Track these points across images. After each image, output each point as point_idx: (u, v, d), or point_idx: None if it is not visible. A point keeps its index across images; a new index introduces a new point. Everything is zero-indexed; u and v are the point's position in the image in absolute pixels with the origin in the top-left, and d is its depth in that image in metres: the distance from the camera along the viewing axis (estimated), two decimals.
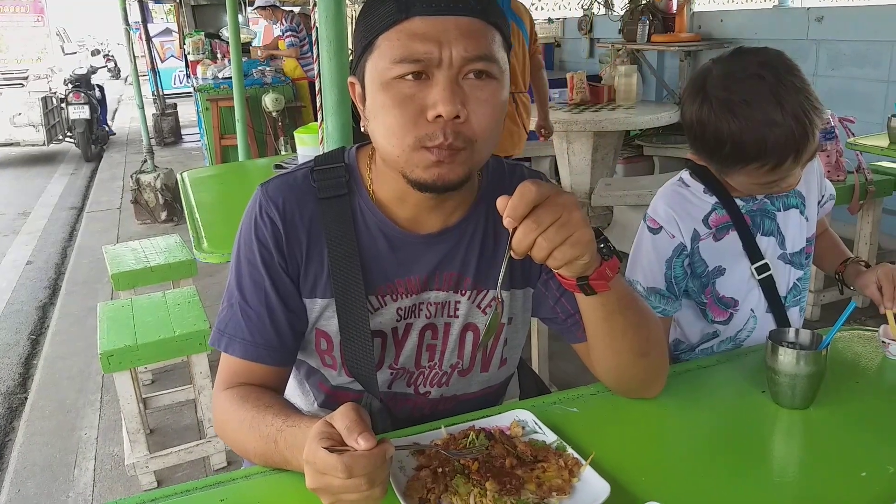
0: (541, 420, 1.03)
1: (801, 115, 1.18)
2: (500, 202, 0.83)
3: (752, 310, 1.41)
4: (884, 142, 2.87)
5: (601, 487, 0.88)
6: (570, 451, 0.96)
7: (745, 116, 1.20)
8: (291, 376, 1.19)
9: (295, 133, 2.20)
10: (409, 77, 0.89)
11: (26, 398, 3.19)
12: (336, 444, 0.79)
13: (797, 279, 1.44)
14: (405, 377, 1.13)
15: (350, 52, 1.10)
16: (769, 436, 1.06)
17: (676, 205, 1.37)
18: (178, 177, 2.98)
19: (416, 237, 1.05)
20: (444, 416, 1.14)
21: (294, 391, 1.23)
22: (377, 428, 1.10)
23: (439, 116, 0.88)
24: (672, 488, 0.92)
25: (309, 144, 2.13)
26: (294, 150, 5.79)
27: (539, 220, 0.82)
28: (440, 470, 0.91)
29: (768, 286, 1.38)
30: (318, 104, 1.88)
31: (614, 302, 0.97)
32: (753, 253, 1.36)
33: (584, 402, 1.12)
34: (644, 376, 1.08)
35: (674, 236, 1.35)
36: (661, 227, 1.36)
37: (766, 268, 1.37)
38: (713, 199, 1.37)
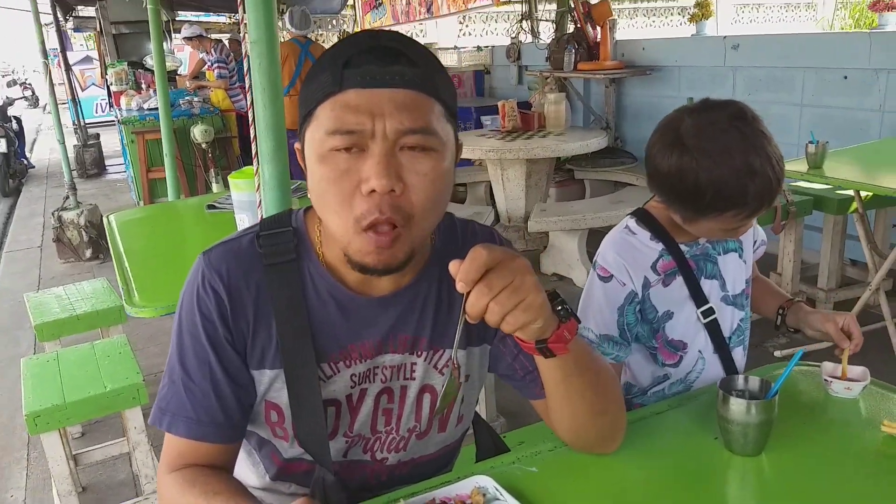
0: (501, 483, 1.02)
1: (774, 164, 1.22)
2: (453, 267, 0.82)
3: (699, 351, 1.44)
4: (802, 166, 3.00)
5: None
6: None
7: (727, 165, 1.22)
8: (241, 447, 1.14)
9: (229, 178, 2.14)
10: (344, 150, 0.87)
11: None
12: None
13: (740, 320, 1.48)
14: (361, 444, 1.10)
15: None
16: (725, 485, 1.08)
17: (626, 253, 1.39)
18: (105, 220, 2.85)
19: (368, 300, 1.03)
20: (402, 482, 1.12)
21: (244, 463, 1.17)
22: (331, 503, 1.07)
23: (374, 191, 0.86)
24: None
25: (244, 189, 2.07)
26: (226, 183, 5.66)
27: (491, 285, 0.81)
28: None
29: (713, 329, 1.42)
30: (253, 149, 1.83)
31: (572, 364, 0.97)
32: (698, 297, 1.40)
33: (543, 460, 1.11)
34: (602, 433, 1.08)
35: (625, 284, 1.37)
36: (612, 276, 1.38)
37: (711, 311, 1.41)
38: (660, 246, 1.39)
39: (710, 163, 1.23)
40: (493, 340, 1.12)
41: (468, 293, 0.82)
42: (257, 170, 1.82)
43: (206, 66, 7.00)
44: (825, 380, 1.27)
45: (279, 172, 1.77)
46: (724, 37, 4.54)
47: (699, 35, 4.89)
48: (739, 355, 1.48)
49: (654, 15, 14.85)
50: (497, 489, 1.01)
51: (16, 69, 19.85)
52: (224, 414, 1.00)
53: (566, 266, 4.26)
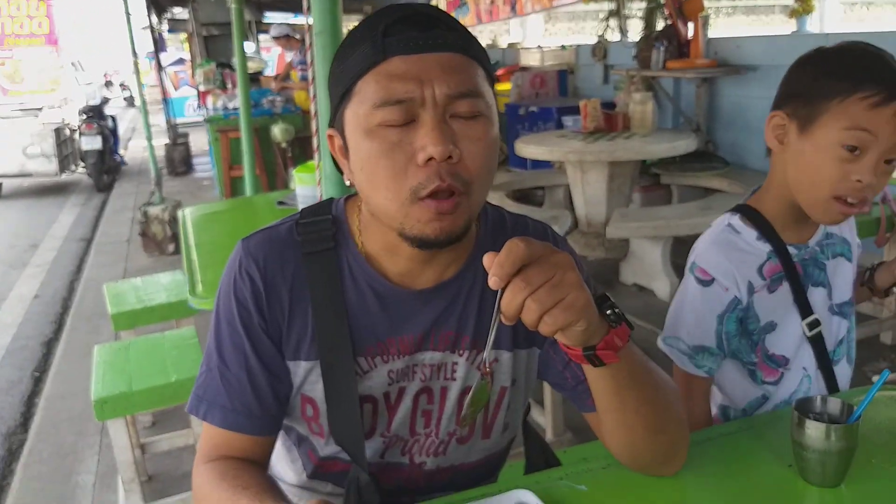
0: (544, 499, 0.94)
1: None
2: (486, 259, 0.75)
3: (804, 368, 1.29)
4: None
5: None
6: None
7: (851, 47, 1.17)
8: (280, 443, 1.11)
9: (294, 172, 2.14)
10: (394, 121, 0.83)
11: (26, 440, 3.12)
12: None
13: (845, 330, 1.33)
14: (399, 445, 1.04)
15: None
16: None
17: (730, 254, 1.24)
18: (179, 213, 2.92)
19: (409, 293, 0.97)
20: (441, 489, 1.06)
21: (283, 458, 1.14)
22: None
23: (431, 159, 0.81)
24: None
25: (308, 183, 2.07)
26: None
27: (528, 280, 0.73)
28: None
29: (818, 342, 1.27)
30: (314, 142, 1.81)
31: (626, 374, 0.87)
32: (804, 307, 1.25)
33: (594, 478, 1.02)
34: (660, 454, 0.98)
35: (728, 289, 1.23)
36: (714, 279, 1.23)
37: (816, 323, 1.26)
38: (767, 247, 1.24)
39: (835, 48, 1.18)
40: (543, 344, 1.04)
41: (503, 289, 0.74)
42: (318, 164, 1.79)
43: (288, 62, 7.15)
44: None
45: None
46: (827, 34, 4.25)
47: (800, 32, 4.60)
48: (844, 369, 1.33)
49: (755, 13, 14.15)
50: None
51: (116, 70, 21.02)
52: (259, 404, 0.97)
53: (647, 276, 4.08)
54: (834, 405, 1.01)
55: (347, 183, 0.94)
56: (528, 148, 4.25)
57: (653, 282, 4.04)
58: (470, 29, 0.90)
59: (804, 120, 1.17)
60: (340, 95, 0.88)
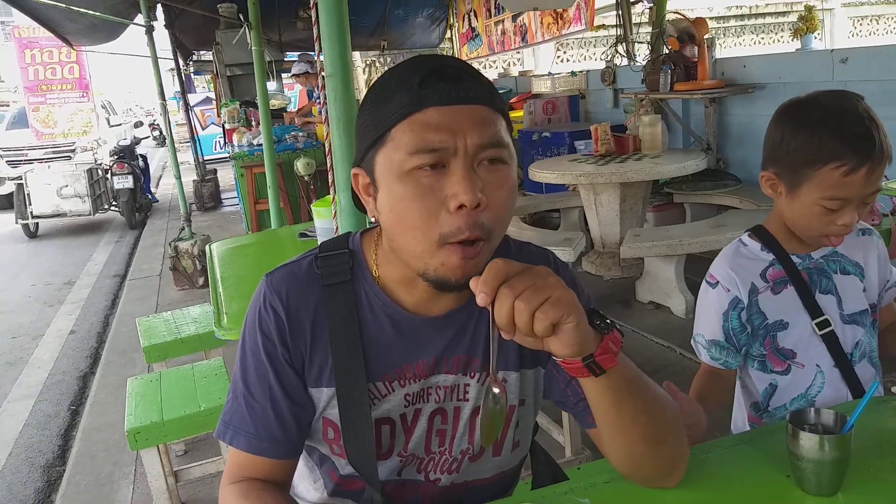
0: None
1: (879, 124, 1.25)
2: (472, 283, 0.83)
3: (817, 365, 1.41)
4: None
5: None
6: None
7: (826, 113, 1.28)
8: (303, 462, 1.18)
9: (312, 206, 2.24)
10: (427, 167, 0.89)
11: (64, 471, 3.22)
12: None
13: (861, 335, 1.44)
14: (415, 464, 1.11)
15: None
16: None
17: (734, 262, 1.44)
18: (207, 249, 3.03)
19: (424, 320, 1.04)
20: None
21: (305, 478, 1.21)
22: None
23: (462, 206, 0.88)
24: None
25: (325, 217, 2.16)
26: None
27: (512, 286, 0.81)
28: None
29: (831, 341, 1.39)
30: (329, 179, 1.91)
31: (623, 385, 0.93)
32: (813, 308, 1.39)
33: (597, 492, 1.08)
34: (660, 465, 1.03)
35: (729, 290, 1.42)
36: (718, 282, 1.44)
37: (826, 323, 1.39)
38: (770, 256, 1.42)
39: (813, 108, 1.30)
40: (546, 363, 1.11)
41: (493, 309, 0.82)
42: (334, 198, 1.88)
43: (313, 103, 7.31)
44: None
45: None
46: (832, 50, 4.29)
47: (805, 49, 4.65)
48: (867, 369, 1.44)
49: (763, 32, 14.21)
50: None
51: (148, 111, 21.57)
52: (282, 430, 1.04)
53: (663, 294, 4.12)
54: (828, 416, 1.06)
55: (372, 219, 1.00)
56: (542, 173, 4.34)
57: (668, 299, 4.08)
58: (483, 59, 0.97)
59: (789, 184, 1.34)
60: (373, 139, 0.94)
